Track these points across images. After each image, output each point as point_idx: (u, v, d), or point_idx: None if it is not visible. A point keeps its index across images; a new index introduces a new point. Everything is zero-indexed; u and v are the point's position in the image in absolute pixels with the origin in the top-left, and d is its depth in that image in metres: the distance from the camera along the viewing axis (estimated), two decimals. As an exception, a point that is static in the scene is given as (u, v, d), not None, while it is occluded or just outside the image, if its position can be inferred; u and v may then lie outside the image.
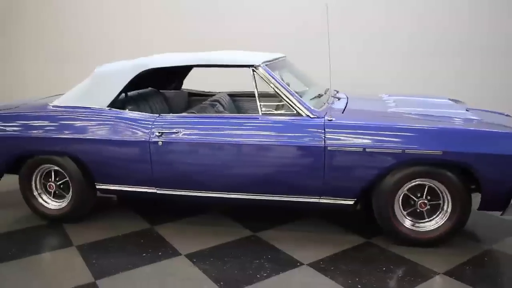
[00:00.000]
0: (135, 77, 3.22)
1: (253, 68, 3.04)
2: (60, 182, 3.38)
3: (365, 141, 2.82)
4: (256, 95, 3.03)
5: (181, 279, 2.65)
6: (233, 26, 5.89)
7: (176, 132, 3.05)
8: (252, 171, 3.02)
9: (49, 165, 3.33)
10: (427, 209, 2.93)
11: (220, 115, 3.21)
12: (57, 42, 6.75)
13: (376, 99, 3.62)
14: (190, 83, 4.70)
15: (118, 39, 6.33)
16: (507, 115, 3.48)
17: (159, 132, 3.06)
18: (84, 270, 2.74)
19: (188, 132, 3.04)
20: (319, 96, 3.35)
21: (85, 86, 3.33)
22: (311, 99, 3.20)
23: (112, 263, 2.83)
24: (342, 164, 2.87)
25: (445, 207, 2.89)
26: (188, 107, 4.22)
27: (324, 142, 2.85)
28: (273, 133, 2.95)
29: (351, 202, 2.96)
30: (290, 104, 2.97)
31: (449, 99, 3.75)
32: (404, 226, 2.94)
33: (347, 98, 3.62)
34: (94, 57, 5.95)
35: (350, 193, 2.94)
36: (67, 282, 2.60)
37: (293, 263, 2.78)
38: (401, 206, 2.95)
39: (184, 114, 3.22)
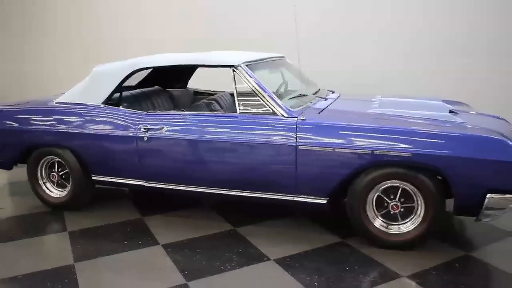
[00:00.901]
0: (129, 75, 3.44)
1: (233, 68, 3.14)
2: (62, 172, 3.67)
3: (335, 141, 2.84)
4: (235, 94, 3.13)
5: (151, 267, 2.80)
6: (248, 27, 6.02)
7: (160, 129, 3.22)
8: (227, 168, 3.13)
9: (52, 156, 3.63)
10: (400, 212, 2.90)
11: (201, 113, 3.34)
12: (84, 44, 7.22)
13: (364, 100, 3.60)
14: (201, 82, 4.88)
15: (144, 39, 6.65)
16: (501, 119, 3.34)
17: (144, 128, 3.25)
18: (68, 253, 2.98)
19: (170, 128, 3.20)
20: (301, 95, 3.39)
21: (84, 84, 3.59)
22: (290, 99, 3.26)
23: (95, 249, 3.05)
24: (312, 163, 2.91)
25: (418, 211, 2.85)
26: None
27: (296, 141, 2.90)
28: (248, 131, 3.03)
29: (324, 201, 2.99)
30: (266, 103, 3.05)
31: (444, 100, 3.66)
32: (376, 227, 2.93)
33: (336, 98, 3.64)
34: (113, 57, 6.29)
35: (322, 192, 2.97)
36: (49, 263, 2.85)
37: (260, 258, 2.86)
38: (374, 207, 2.93)
39: (168, 111, 3.39)
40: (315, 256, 2.89)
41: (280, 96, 3.29)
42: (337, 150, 2.83)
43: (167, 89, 4.61)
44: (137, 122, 3.29)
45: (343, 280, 2.59)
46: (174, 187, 3.33)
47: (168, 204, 3.82)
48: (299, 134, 2.91)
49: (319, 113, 3.11)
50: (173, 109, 4.18)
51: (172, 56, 3.49)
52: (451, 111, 3.24)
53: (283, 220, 3.45)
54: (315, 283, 2.55)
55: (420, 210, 2.83)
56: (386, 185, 2.87)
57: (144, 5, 6.61)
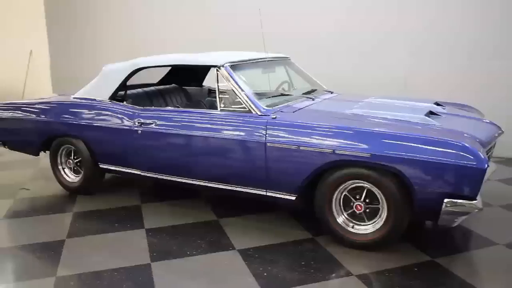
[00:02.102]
0: (131, 73, 3.77)
1: (217, 68, 3.34)
2: (77, 160, 4.11)
3: (300, 139, 2.93)
4: (217, 92, 3.32)
5: (127, 247, 3.09)
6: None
7: (152, 123, 3.51)
8: (207, 162, 3.34)
9: (68, 145, 4.08)
10: (366, 212, 2.91)
11: (187, 109, 3.58)
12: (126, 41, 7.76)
13: (350, 101, 3.60)
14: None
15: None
16: (493, 124, 3.19)
17: (138, 123, 3.57)
18: (64, 230, 3.38)
19: (160, 123, 3.48)
20: (286, 95, 3.51)
21: (95, 81, 4.00)
22: (272, 97, 3.39)
23: (87, 228, 3.42)
24: (280, 160, 3.02)
25: (381, 212, 2.84)
26: None
27: (265, 138, 3.03)
28: (226, 128, 3.21)
29: (293, 198, 3.08)
30: (243, 102, 3.21)
31: (445, 103, 3.58)
32: (341, 226, 2.96)
33: (325, 99, 3.69)
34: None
35: (290, 189, 3.06)
36: (45, 237, 3.26)
37: (226, 247, 3.03)
38: (341, 206, 2.97)
39: (160, 108, 3.67)
40: (278, 249, 2.99)
41: (263, 95, 3.44)
42: (301, 148, 2.92)
43: (183, 87, 4.93)
44: (133, 117, 3.61)
45: (292, 273, 2.68)
46: (163, 177, 3.60)
47: (167, 193, 4.11)
48: (268, 132, 3.03)
49: (294, 112, 3.20)
50: (187, 106, 4.46)
51: (166, 56, 3.79)
52: (433, 113, 3.17)
53: (266, 215, 3.57)
54: (264, 273, 2.68)
55: (383, 212, 2.83)
56: (353, 185, 2.90)
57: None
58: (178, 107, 3.87)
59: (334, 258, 2.85)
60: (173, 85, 4.90)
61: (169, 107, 3.80)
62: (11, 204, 3.97)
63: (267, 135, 3.03)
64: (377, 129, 2.76)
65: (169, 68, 4.86)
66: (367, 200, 2.89)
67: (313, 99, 3.61)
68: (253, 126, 3.10)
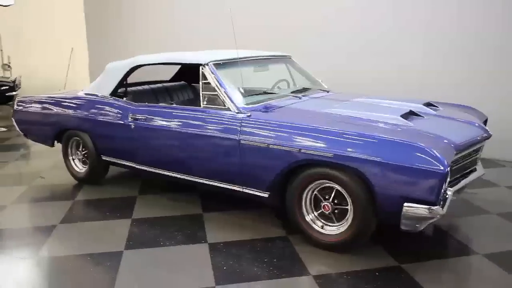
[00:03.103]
0: (129, 71, 3.97)
1: (202, 66, 3.44)
2: (84, 152, 4.39)
3: (270, 138, 2.95)
4: (200, 89, 3.42)
5: (108, 234, 3.27)
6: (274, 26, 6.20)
7: (143, 118, 3.68)
8: (187, 157, 3.45)
9: (77, 137, 4.36)
10: (335, 213, 2.88)
11: (174, 106, 3.71)
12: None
13: (336, 100, 3.55)
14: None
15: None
16: (478, 125, 3.03)
17: (132, 118, 3.75)
18: (60, 216, 3.64)
19: (149, 118, 3.64)
20: (266, 93, 3.53)
21: (99, 78, 4.25)
22: (253, 95, 3.44)
23: (81, 215, 3.66)
24: (252, 158, 3.06)
25: (349, 214, 2.80)
26: None
27: (239, 135, 3.09)
28: (206, 124, 3.30)
29: (266, 195, 3.11)
30: (222, 99, 3.28)
31: (427, 103, 3.44)
32: (310, 225, 2.96)
33: (312, 97, 3.67)
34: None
35: (262, 186, 3.10)
36: (38, 221, 3.55)
37: (198, 240, 3.13)
38: (311, 206, 2.97)
39: (151, 104, 3.82)
40: (247, 245, 3.04)
41: (249, 93, 3.49)
42: (271, 146, 2.95)
43: (192, 84, 5.09)
44: (128, 112, 3.80)
45: (251, 268, 2.72)
46: (152, 171, 3.77)
47: (167, 186, 4.27)
48: (242, 129, 3.09)
49: (271, 110, 3.22)
50: (195, 103, 4.58)
51: (160, 55, 3.95)
52: (415, 114, 3.07)
53: (251, 212, 3.61)
54: (224, 267, 2.74)
55: (350, 214, 2.79)
56: (323, 185, 2.88)
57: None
58: (172, 103, 4.01)
59: (298, 257, 2.85)
60: (182, 82, 5.06)
61: (162, 104, 3.95)
62: (23, 191, 4.32)
63: (240, 133, 3.09)
64: (339, 129, 2.73)
65: (179, 66, 5.02)
66: (335, 201, 2.86)
67: (299, 98, 3.60)
68: (229, 123, 3.17)
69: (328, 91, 4.07)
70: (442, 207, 2.50)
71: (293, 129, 2.89)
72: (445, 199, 2.60)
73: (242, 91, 3.57)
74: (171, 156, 3.59)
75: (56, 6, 9.25)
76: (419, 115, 3.09)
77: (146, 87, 4.64)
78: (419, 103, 3.37)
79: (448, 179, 2.63)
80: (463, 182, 2.88)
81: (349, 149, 2.63)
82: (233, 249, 2.98)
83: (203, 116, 3.34)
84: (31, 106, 4.64)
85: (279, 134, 2.92)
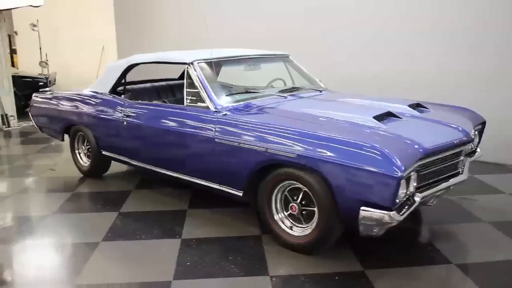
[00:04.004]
0: (126, 69, 4.11)
1: (187, 65, 3.50)
2: (88, 146, 4.59)
3: (241, 137, 2.97)
4: (184, 88, 3.48)
5: (91, 226, 3.41)
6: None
7: (135, 115, 3.80)
8: (170, 153, 3.54)
9: (81, 132, 4.58)
10: (303, 215, 2.85)
11: (160, 104, 3.80)
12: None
13: (322, 100, 3.51)
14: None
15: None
16: (460, 129, 2.88)
17: (124, 115, 3.88)
18: (55, 206, 3.84)
19: (140, 115, 3.76)
20: (247, 92, 3.54)
21: (101, 76, 4.42)
22: (233, 95, 3.46)
23: (73, 207, 3.84)
24: (225, 156, 3.09)
25: (315, 215, 2.76)
26: None
27: (214, 134, 3.13)
28: (188, 122, 3.36)
29: (240, 194, 3.13)
30: (203, 98, 3.33)
31: (415, 104, 3.32)
32: (278, 225, 2.95)
33: (299, 97, 3.63)
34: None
35: (236, 185, 3.12)
36: (33, 211, 3.78)
37: (173, 235, 3.20)
38: (282, 206, 2.95)
39: (143, 102, 3.93)
40: (219, 242, 3.07)
41: (232, 92, 3.52)
42: (241, 145, 2.96)
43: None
44: (122, 109, 3.94)
45: (213, 265, 2.75)
46: (143, 166, 3.88)
47: (161, 181, 4.38)
48: (217, 128, 3.12)
49: (249, 110, 3.23)
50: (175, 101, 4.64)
51: (153, 54, 4.06)
52: (394, 115, 2.97)
53: (236, 209, 3.61)
54: (188, 263, 2.79)
55: (316, 214, 2.75)
56: (292, 186, 2.86)
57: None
58: (165, 101, 4.11)
59: (264, 257, 2.85)
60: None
61: (155, 102, 4.06)
62: (31, 181, 4.60)
63: (216, 131, 3.12)
64: (302, 130, 2.70)
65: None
66: (303, 202, 2.83)
67: (285, 98, 3.57)
68: (206, 121, 3.21)
69: (321, 91, 4.00)
70: (401, 212, 2.41)
71: (261, 129, 2.89)
72: (410, 204, 2.51)
73: (227, 90, 3.60)
74: (157, 152, 3.69)
75: (89, 7, 9.70)
76: (398, 117, 2.99)
77: (149, 85, 4.78)
78: (404, 104, 3.26)
79: (415, 184, 2.55)
80: (439, 187, 2.75)
81: (309, 150, 2.59)
82: (203, 246, 3.03)
83: (184, 114, 3.40)
84: (44, 102, 4.91)
85: (249, 133, 2.93)
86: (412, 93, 4.57)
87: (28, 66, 11.24)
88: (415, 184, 2.55)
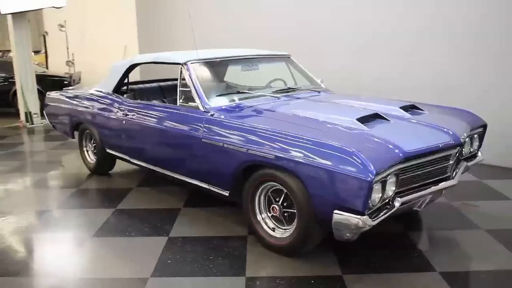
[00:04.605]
0: (128, 69, 4.19)
1: (181, 65, 3.54)
2: (95, 144, 4.73)
3: (225, 137, 2.98)
4: (178, 88, 3.52)
5: (86, 221, 3.52)
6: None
7: (132, 114, 3.89)
8: (163, 152, 3.60)
9: (88, 130, 4.72)
10: (285, 216, 2.83)
11: (156, 103, 3.85)
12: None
13: (317, 101, 3.47)
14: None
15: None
16: (450, 133, 2.78)
17: (123, 113, 3.97)
18: (56, 201, 3.99)
19: (136, 114, 3.83)
20: (239, 92, 3.54)
21: (106, 76, 4.54)
22: (225, 95, 3.47)
23: (73, 203, 3.97)
24: (212, 156, 3.11)
25: (296, 217, 2.74)
26: None
27: (201, 133, 3.15)
28: (180, 122, 3.39)
29: (226, 194, 3.14)
30: (194, 97, 3.36)
31: (410, 105, 3.23)
32: (261, 226, 2.94)
33: (294, 98, 3.60)
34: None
35: (222, 185, 3.13)
36: (35, 206, 3.90)
37: (160, 233, 3.25)
38: (265, 207, 2.95)
39: (140, 101, 4.00)
40: (204, 241, 3.09)
41: (225, 92, 3.54)
42: (225, 146, 2.97)
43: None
44: (121, 108, 4.03)
45: (193, 265, 2.78)
46: (140, 163, 3.97)
47: (163, 180, 4.44)
48: (204, 128, 3.14)
49: (238, 110, 3.23)
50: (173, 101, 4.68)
51: (152, 54, 4.13)
52: (382, 117, 2.89)
53: (228, 210, 3.62)
54: (169, 261, 2.83)
55: (296, 216, 2.72)
56: (275, 187, 2.85)
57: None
58: (164, 101, 4.18)
59: (244, 257, 2.85)
60: None
61: (153, 102, 4.13)
62: (39, 177, 4.78)
63: (203, 131, 3.14)
64: (281, 131, 2.68)
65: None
66: (285, 204, 2.81)
67: (278, 98, 3.55)
68: (195, 121, 3.24)
69: (319, 91, 3.95)
70: (377, 217, 2.35)
71: (243, 130, 2.89)
72: (389, 209, 2.44)
73: (220, 90, 3.62)
74: (151, 150, 3.77)
75: (113, 7, 9.94)
76: (385, 119, 2.91)
77: (155, 85, 4.87)
78: (396, 106, 3.17)
79: (394, 188, 2.48)
80: (424, 192, 2.66)
81: (286, 151, 2.57)
82: (188, 245, 3.06)
83: (176, 114, 3.45)
84: (56, 101, 5.09)
85: (232, 134, 2.93)
86: (412, 94, 4.46)
87: (58, 66, 11.69)
88: (393, 188, 2.48)
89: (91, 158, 4.83)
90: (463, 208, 3.59)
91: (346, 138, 2.52)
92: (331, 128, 2.71)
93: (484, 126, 3.39)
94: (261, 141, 2.74)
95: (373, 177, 2.21)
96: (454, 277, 2.57)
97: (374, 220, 2.33)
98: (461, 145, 2.79)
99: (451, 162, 2.82)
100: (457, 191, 3.92)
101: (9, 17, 7.37)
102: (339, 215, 2.35)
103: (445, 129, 2.80)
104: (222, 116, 3.13)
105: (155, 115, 3.64)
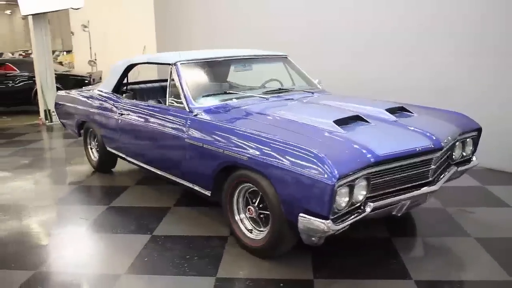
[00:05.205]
0: (126, 69, 4.27)
1: (171, 66, 3.58)
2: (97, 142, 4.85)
3: (205, 138, 2.99)
4: (167, 88, 3.56)
5: (81, 219, 3.63)
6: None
7: (127, 114, 3.96)
8: (151, 151, 3.66)
9: (91, 129, 4.84)
10: (262, 218, 2.82)
11: (147, 103, 3.89)
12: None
13: (299, 102, 3.43)
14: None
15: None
16: (431, 137, 2.68)
17: (119, 113, 4.06)
18: (56, 196, 4.11)
19: (130, 114, 3.90)
20: (226, 93, 3.54)
21: (107, 76, 4.64)
22: (211, 96, 3.48)
23: (71, 199, 4.09)
24: (193, 156, 3.13)
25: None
26: None
27: (184, 134, 3.18)
28: (167, 121, 3.44)
29: (208, 194, 3.15)
30: (181, 97, 3.39)
31: (398, 107, 3.14)
32: (238, 227, 2.93)
33: (284, 99, 3.57)
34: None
35: (204, 184, 3.15)
36: (36, 201, 4.04)
37: (144, 231, 3.28)
38: (242, 207, 2.94)
39: (135, 101, 4.06)
40: (185, 240, 3.12)
41: (213, 93, 3.56)
42: (205, 146, 2.98)
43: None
44: (118, 107, 4.12)
45: (168, 263, 2.80)
46: (134, 161, 4.04)
47: (160, 178, 4.50)
48: (187, 128, 3.17)
49: (222, 111, 3.24)
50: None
51: (146, 55, 4.19)
52: (363, 119, 2.83)
53: (218, 210, 3.63)
54: (146, 259, 2.87)
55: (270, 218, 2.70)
56: (252, 189, 2.83)
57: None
58: (159, 101, 4.23)
59: (220, 258, 2.85)
60: None
61: (150, 101, 4.19)
62: (46, 174, 4.96)
63: (186, 131, 3.17)
64: (253, 132, 2.66)
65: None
66: (261, 205, 2.80)
67: (267, 99, 3.53)
68: (180, 121, 3.27)
69: (313, 92, 3.90)
70: (344, 221, 2.30)
71: (220, 131, 2.89)
72: (359, 213, 2.39)
73: (209, 91, 3.63)
74: (144, 150, 3.83)
75: (133, 8, 10.16)
76: (366, 121, 2.84)
77: (156, 85, 4.95)
78: (382, 108, 3.08)
79: (364, 192, 2.42)
80: (400, 197, 2.58)
81: (257, 153, 2.56)
82: (169, 243, 3.09)
83: (164, 114, 3.49)
84: (64, 101, 5.25)
85: (211, 135, 2.94)
86: (412, 94, 4.35)
87: (83, 65, 12.06)
88: (364, 193, 2.42)
89: (95, 156, 4.95)
90: (457, 214, 3.46)
91: (317, 140, 2.48)
92: (305, 130, 2.67)
93: (479, 130, 3.25)
94: (236, 142, 2.73)
95: (336, 181, 2.17)
96: (428, 286, 2.48)
97: (338, 225, 2.28)
98: (443, 149, 2.69)
99: (433, 166, 2.72)
100: (455, 197, 3.81)
101: (30, 18, 7.67)
102: (304, 219, 2.32)
103: (427, 133, 2.70)
104: (205, 117, 3.14)
105: (145, 114, 3.70)
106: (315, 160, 2.26)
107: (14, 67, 10.12)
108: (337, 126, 2.68)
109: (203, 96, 3.44)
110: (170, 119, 3.39)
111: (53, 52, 24.89)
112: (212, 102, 3.41)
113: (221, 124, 2.93)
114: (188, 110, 3.28)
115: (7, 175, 4.88)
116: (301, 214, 2.33)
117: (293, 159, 2.36)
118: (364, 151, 2.41)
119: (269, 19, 6.71)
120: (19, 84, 9.40)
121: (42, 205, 3.94)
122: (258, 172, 2.61)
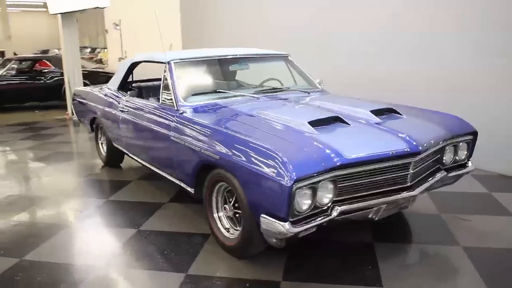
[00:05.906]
0: (130, 67, 4.40)
1: (165, 64, 3.64)
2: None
3: (186, 136, 3.03)
4: (161, 86, 3.63)
5: (78, 211, 3.78)
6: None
7: (127, 111, 4.07)
8: (144, 147, 3.75)
9: (100, 124, 5.01)
10: (236, 216, 2.83)
11: (143, 101, 3.96)
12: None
13: (288, 102, 3.39)
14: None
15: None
16: (410, 141, 2.58)
17: (120, 110, 4.18)
18: (61, 189, 4.29)
19: (129, 111, 4.01)
20: (215, 92, 3.55)
21: (115, 74, 4.78)
22: (202, 94, 3.51)
23: (75, 192, 4.27)
24: (177, 154, 3.18)
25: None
26: None
27: (171, 131, 3.23)
28: (159, 119, 3.50)
29: (192, 191, 3.19)
30: (172, 95, 3.44)
31: (387, 109, 3.06)
32: (216, 225, 2.95)
33: (277, 98, 3.55)
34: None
35: (187, 182, 3.19)
36: (40, 192, 4.24)
37: (134, 225, 3.37)
38: (221, 206, 2.96)
39: (136, 98, 4.16)
40: (169, 236, 3.18)
41: (205, 91, 3.59)
42: (186, 144, 3.02)
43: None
44: (120, 104, 4.24)
45: (144, 257, 2.87)
46: (135, 158, 4.15)
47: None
48: (173, 126, 3.22)
49: (208, 110, 3.26)
50: None
51: (145, 53, 4.31)
52: (342, 121, 2.77)
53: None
54: (124, 253, 2.95)
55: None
56: (229, 188, 2.85)
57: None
58: (159, 99, 4.30)
59: (196, 255, 2.88)
60: None
61: (151, 99, 4.27)
62: (58, 166, 5.18)
63: (172, 129, 3.22)
64: (227, 131, 2.67)
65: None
66: (236, 205, 2.80)
67: (258, 99, 3.52)
68: (168, 119, 3.33)
69: (309, 92, 3.85)
70: (298, 224, 2.26)
71: (200, 130, 2.92)
72: (324, 216, 2.34)
73: (201, 89, 3.66)
74: (139, 146, 3.94)
75: (160, 7, 10.43)
76: (345, 122, 2.77)
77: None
78: (367, 109, 2.99)
79: (330, 195, 2.37)
80: (372, 202, 2.51)
81: (226, 152, 2.57)
82: (151, 238, 3.16)
83: (156, 111, 3.56)
84: (78, 96, 5.47)
85: (192, 134, 2.97)
86: (417, 95, 4.19)
87: (116, 62, 12.48)
88: (330, 196, 2.37)
89: (104, 150, 5.12)
90: (452, 221, 3.32)
91: (283, 141, 2.45)
92: (276, 130, 2.65)
93: (474, 134, 3.10)
94: (210, 141, 2.75)
95: (293, 182, 2.13)
96: (398, 295, 2.40)
97: (298, 227, 2.24)
98: (421, 153, 2.58)
99: (411, 171, 2.61)
100: (454, 203, 3.67)
101: (59, 17, 8.03)
102: (265, 220, 2.30)
103: (406, 136, 2.60)
104: (189, 115, 3.18)
105: (141, 111, 3.79)
106: (274, 161, 2.24)
107: (49, 64, 10.64)
108: (310, 127, 2.63)
109: (194, 95, 3.48)
110: (159, 117, 3.46)
111: (94, 49, 26.08)
112: (202, 101, 3.44)
113: (200, 123, 2.95)
114: (175, 108, 3.33)
115: (21, 167, 5.15)
116: (262, 215, 2.32)
117: (256, 160, 2.35)
118: (330, 153, 2.35)
119: (293, 18, 6.64)
120: (51, 80, 9.85)
121: (43, 196, 4.12)
122: (229, 171, 2.62)
